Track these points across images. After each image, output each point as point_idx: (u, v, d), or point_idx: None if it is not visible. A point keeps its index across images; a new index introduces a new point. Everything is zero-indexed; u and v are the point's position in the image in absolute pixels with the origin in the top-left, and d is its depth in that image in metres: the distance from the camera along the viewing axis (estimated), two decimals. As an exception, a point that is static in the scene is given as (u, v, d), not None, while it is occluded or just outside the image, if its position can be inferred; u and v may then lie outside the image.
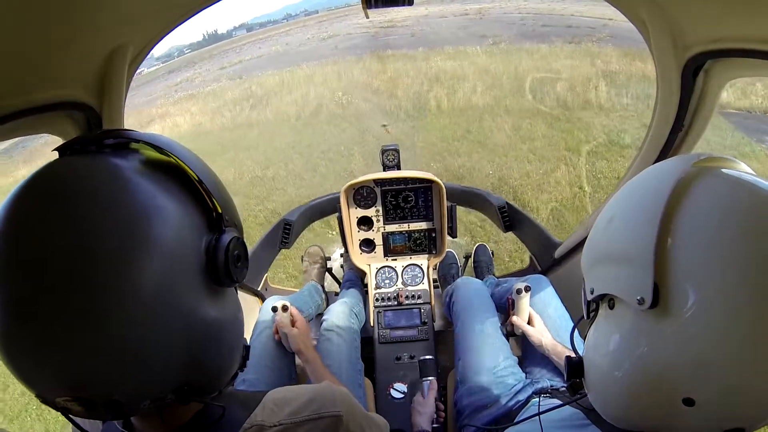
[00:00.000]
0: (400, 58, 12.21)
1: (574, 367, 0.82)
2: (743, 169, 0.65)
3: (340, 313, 1.99)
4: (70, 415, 0.61)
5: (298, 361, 1.75)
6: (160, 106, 15.68)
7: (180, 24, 1.27)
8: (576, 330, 0.95)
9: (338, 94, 9.83)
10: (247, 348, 0.81)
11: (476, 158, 5.69)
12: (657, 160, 1.44)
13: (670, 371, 0.61)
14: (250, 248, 2.32)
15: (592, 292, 0.75)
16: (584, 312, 0.81)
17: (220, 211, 0.67)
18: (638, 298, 0.61)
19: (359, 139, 7.18)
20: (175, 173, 0.65)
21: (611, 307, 0.72)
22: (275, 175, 6.58)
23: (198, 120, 11.74)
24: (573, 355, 0.85)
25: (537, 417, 0.93)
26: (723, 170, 0.63)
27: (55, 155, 0.64)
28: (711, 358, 0.57)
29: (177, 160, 0.65)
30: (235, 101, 12.27)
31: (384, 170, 2.33)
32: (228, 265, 0.66)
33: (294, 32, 27.65)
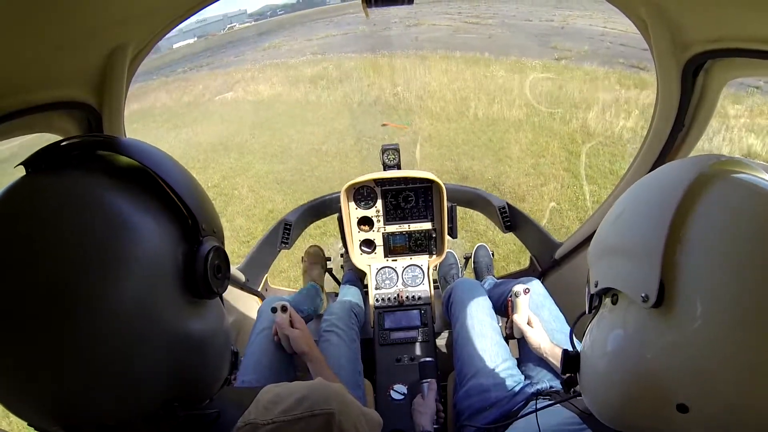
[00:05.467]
0: (465, 60, 13.34)
1: (571, 360, 0.85)
2: (761, 175, 0.64)
3: (340, 314, 2.04)
4: None
5: (298, 360, 1.76)
6: (247, 70, 17.63)
7: (180, 23, 1.30)
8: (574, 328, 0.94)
9: (397, 89, 11.38)
10: (235, 354, 0.84)
11: (486, 163, 7.05)
12: (658, 159, 1.49)
13: (666, 374, 0.61)
14: (250, 248, 2.58)
15: (596, 285, 0.76)
16: (587, 306, 0.83)
17: (196, 219, 0.68)
18: (642, 294, 0.61)
19: (401, 134, 8.81)
20: (147, 182, 0.66)
21: (614, 303, 0.73)
22: (328, 150, 8.45)
23: (278, 90, 13.59)
24: (570, 350, 0.86)
25: (535, 420, 0.93)
26: (739, 176, 0.62)
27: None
28: (710, 369, 0.57)
29: (148, 168, 0.65)
30: (312, 79, 14.05)
31: (384, 170, 2.41)
32: (207, 277, 0.68)
33: (385, 12, 28.83)
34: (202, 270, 0.67)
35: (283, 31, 32.18)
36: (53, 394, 0.57)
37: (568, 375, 0.93)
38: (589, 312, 0.82)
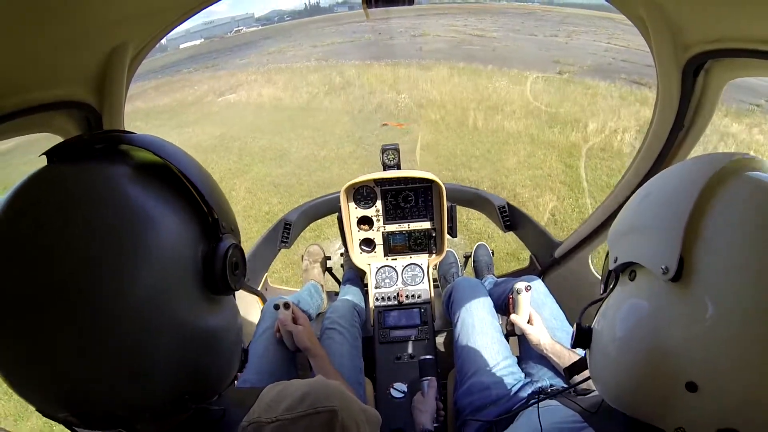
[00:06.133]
0: (468, 72, 13.46)
1: (583, 335, 0.85)
2: None
3: (342, 312, 2.06)
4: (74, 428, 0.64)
5: (300, 359, 1.79)
6: (252, 73, 17.80)
7: (180, 23, 1.30)
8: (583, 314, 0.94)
9: (399, 98, 11.51)
10: (245, 351, 0.85)
11: (483, 174, 7.07)
12: (658, 159, 1.49)
13: (679, 351, 0.62)
14: (250, 247, 2.57)
15: (615, 261, 0.76)
16: (602, 286, 0.84)
17: (216, 217, 0.70)
18: (663, 267, 0.62)
19: (400, 140, 8.78)
20: (169, 178, 0.67)
21: (632, 279, 0.74)
22: (326, 156, 8.52)
23: (280, 94, 13.73)
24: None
25: (536, 418, 0.94)
26: (760, 173, 0.64)
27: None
28: (721, 350, 0.58)
29: (171, 165, 0.66)
30: (314, 85, 14.21)
31: (384, 170, 2.40)
32: (226, 273, 0.69)
33: (391, 21, 29.04)
34: (221, 266, 0.68)
35: (290, 37, 32.41)
36: (67, 382, 0.58)
37: (571, 364, 0.95)
38: (604, 291, 0.83)
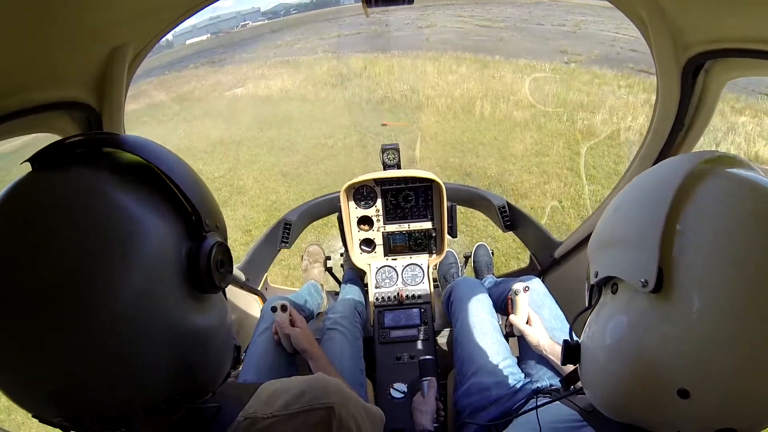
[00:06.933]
0: (475, 62, 13.45)
1: (571, 351, 0.85)
2: (753, 170, 0.66)
3: (344, 312, 2.07)
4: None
5: (299, 359, 1.76)
6: (259, 66, 17.84)
7: (180, 23, 1.30)
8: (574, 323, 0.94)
9: (405, 88, 11.53)
10: (237, 348, 0.84)
11: (489, 161, 7.13)
12: (658, 159, 1.49)
13: (667, 360, 0.62)
14: (252, 244, 2.61)
15: (596, 276, 0.77)
16: (586, 299, 0.85)
17: (200, 215, 0.70)
18: (642, 280, 0.63)
19: (407, 130, 8.95)
20: (152, 179, 0.67)
21: (614, 292, 0.74)
22: (333, 145, 8.61)
23: (287, 86, 13.76)
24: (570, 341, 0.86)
25: (535, 418, 0.95)
26: (732, 170, 0.64)
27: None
28: (709, 353, 0.58)
29: (153, 165, 0.67)
30: (321, 77, 14.26)
31: (384, 169, 2.42)
32: (210, 271, 0.69)
33: (398, 13, 28.91)
34: (206, 264, 0.68)
35: (296, 30, 32.37)
36: (58, 386, 0.58)
37: (567, 375, 0.95)
38: (589, 305, 0.83)
